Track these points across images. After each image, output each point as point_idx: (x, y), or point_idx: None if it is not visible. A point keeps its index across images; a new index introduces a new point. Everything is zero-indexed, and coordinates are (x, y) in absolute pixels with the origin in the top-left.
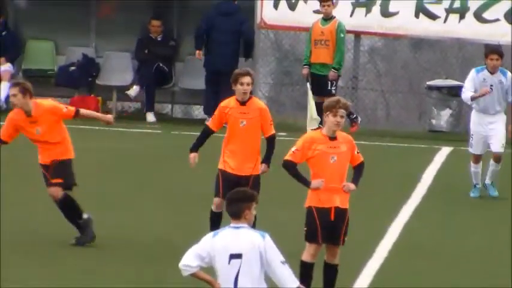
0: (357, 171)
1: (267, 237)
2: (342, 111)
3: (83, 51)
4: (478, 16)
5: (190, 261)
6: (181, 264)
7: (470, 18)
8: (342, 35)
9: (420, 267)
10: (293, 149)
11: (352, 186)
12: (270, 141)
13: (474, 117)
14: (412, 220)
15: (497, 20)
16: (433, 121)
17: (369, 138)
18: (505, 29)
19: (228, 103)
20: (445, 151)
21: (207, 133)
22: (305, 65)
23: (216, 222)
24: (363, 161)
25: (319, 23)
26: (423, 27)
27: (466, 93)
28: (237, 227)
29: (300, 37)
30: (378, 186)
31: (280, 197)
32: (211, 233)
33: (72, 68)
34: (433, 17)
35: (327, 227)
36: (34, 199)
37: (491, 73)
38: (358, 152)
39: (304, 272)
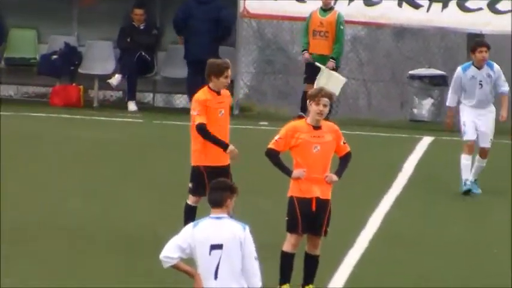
0: (342, 162)
1: (247, 229)
2: (324, 100)
3: (65, 39)
4: (461, 5)
5: (171, 252)
6: (162, 255)
7: (453, 7)
8: (342, 27)
9: (401, 257)
10: (276, 137)
11: (334, 177)
12: None
13: (463, 109)
14: (393, 210)
15: (480, 9)
16: (415, 110)
17: (350, 127)
18: (487, 18)
19: (205, 95)
20: (426, 140)
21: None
22: (304, 50)
23: (191, 216)
24: (349, 152)
25: (318, 13)
26: (406, 16)
27: (451, 99)
28: (218, 218)
29: (283, 26)
30: (359, 176)
31: (261, 186)
32: (191, 224)
33: (54, 56)
34: (416, 6)
35: (308, 218)
36: None
37: (479, 68)
38: (344, 143)
39: (285, 263)
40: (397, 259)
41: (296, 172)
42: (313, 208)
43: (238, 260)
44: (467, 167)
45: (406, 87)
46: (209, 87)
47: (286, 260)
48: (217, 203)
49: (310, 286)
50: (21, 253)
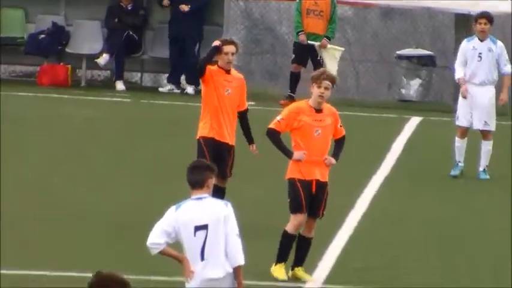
0: (338, 145)
1: (229, 205)
2: (326, 83)
3: (52, 19)
4: None
5: (157, 238)
6: (148, 242)
7: None
8: (336, 8)
9: (389, 238)
10: (278, 118)
11: (333, 160)
12: (246, 115)
13: (463, 88)
14: (382, 190)
15: None
16: (403, 91)
17: (338, 107)
18: (477, 1)
19: (212, 68)
20: (414, 121)
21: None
22: (299, 31)
23: None
24: (344, 135)
25: None
26: None
27: (457, 71)
28: (200, 198)
29: (270, 6)
30: (348, 156)
31: (249, 166)
32: (174, 207)
33: (42, 36)
34: None
35: (308, 200)
36: None
37: (481, 40)
38: (341, 126)
39: (286, 243)
40: (386, 239)
41: (297, 154)
42: (313, 190)
43: (222, 234)
44: (459, 149)
45: (394, 67)
46: (218, 65)
47: (288, 240)
48: (198, 184)
49: (300, 268)
50: (5, 238)
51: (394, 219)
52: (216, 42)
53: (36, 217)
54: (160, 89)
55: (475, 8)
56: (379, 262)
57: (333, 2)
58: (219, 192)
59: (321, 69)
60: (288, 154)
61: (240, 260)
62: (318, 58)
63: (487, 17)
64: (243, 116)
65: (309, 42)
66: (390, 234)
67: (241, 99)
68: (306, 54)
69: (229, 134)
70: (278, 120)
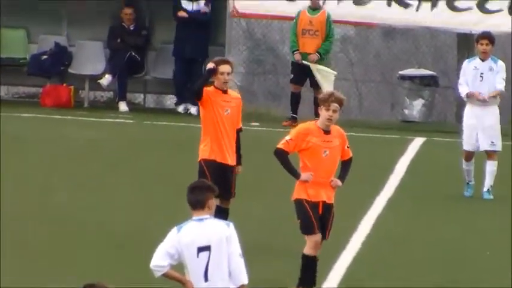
0: (345, 167)
1: (231, 226)
2: (334, 105)
3: (55, 39)
4: (451, 5)
5: (160, 261)
6: (152, 265)
7: (442, 7)
8: (332, 26)
9: (393, 259)
10: (287, 138)
11: (339, 182)
12: (239, 134)
13: (467, 110)
14: (385, 211)
15: (469, 8)
16: (406, 111)
17: (341, 128)
18: (477, 18)
19: (209, 90)
20: (418, 141)
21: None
22: (295, 51)
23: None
24: (351, 157)
25: (307, 12)
26: (395, 16)
27: (462, 88)
28: (201, 219)
29: (272, 26)
30: (351, 177)
31: (252, 187)
32: (175, 229)
33: (44, 56)
34: (405, 5)
35: (317, 219)
36: None
37: (482, 60)
38: (348, 147)
39: (307, 266)
40: (390, 261)
41: (304, 175)
42: (320, 212)
43: (225, 255)
44: (468, 172)
45: (397, 87)
46: (214, 85)
47: (309, 263)
48: (199, 204)
49: None
50: (9, 249)
51: (398, 241)
52: (210, 65)
53: (39, 235)
54: (179, 109)
55: (477, 28)
56: (383, 284)
57: (328, 21)
58: (222, 213)
59: (329, 91)
60: (295, 175)
61: (244, 279)
62: (315, 78)
63: (488, 37)
64: (236, 135)
65: (304, 62)
66: (394, 256)
67: (238, 118)
68: (304, 74)
69: (231, 155)
70: (287, 141)
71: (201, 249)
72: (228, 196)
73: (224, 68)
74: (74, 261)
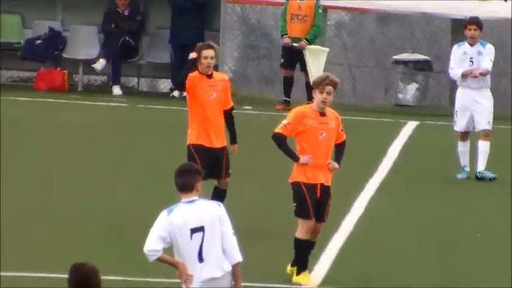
0: (339, 150)
1: (222, 205)
2: (329, 88)
3: (49, 24)
4: None
5: (154, 245)
6: (146, 249)
7: None
8: (320, 11)
9: (385, 242)
10: (284, 122)
11: (336, 165)
12: (231, 114)
13: (459, 93)
14: (378, 194)
15: None
16: (399, 95)
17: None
18: (472, 4)
19: (193, 76)
20: (411, 125)
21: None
22: (283, 35)
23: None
24: (345, 140)
25: None
26: (390, 1)
27: (455, 70)
28: (191, 201)
29: (267, 11)
30: (344, 160)
31: (246, 170)
32: (165, 212)
33: (39, 41)
34: None
35: (313, 204)
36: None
37: (471, 45)
38: (342, 130)
39: (301, 249)
40: (382, 244)
41: (304, 158)
42: (318, 194)
43: (218, 236)
44: (463, 153)
45: (391, 72)
46: (198, 70)
47: (302, 246)
48: (187, 187)
49: (305, 272)
50: (4, 241)
51: (390, 223)
52: (193, 55)
53: (34, 219)
54: (174, 94)
55: (472, 14)
56: (375, 266)
57: (317, 6)
58: (219, 194)
59: (323, 74)
60: (295, 158)
61: (238, 257)
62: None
63: (476, 22)
64: (228, 115)
65: (294, 44)
66: (386, 238)
67: (226, 99)
68: (294, 58)
69: (219, 138)
70: (284, 125)
71: (194, 231)
72: (220, 177)
73: (207, 52)
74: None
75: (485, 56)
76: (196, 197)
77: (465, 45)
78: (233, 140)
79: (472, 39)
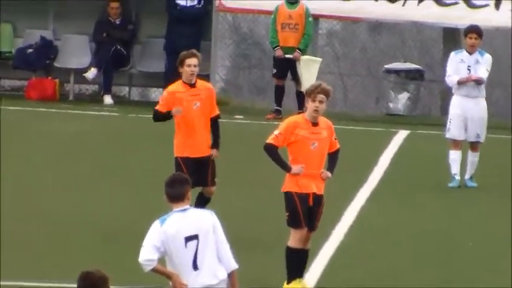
0: (333, 159)
1: (214, 214)
2: (321, 97)
3: (41, 33)
4: None
5: (149, 255)
6: (141, 260)
7: (428, 2)
8: (310, 19)
9: (376, 251)
10: (276, 132)
11: (329, 174)
12: (216, 121)
13: (454, 101)
14: (369, 203)
15: (456, 3)
16: (391, 104)
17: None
18: (463, 13)
19: (175, 87)
20: (402, 134)
21: (158, 113)
22: (275, 47)
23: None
24: (339, 148)
25: (285, 6)
26: (382, 10)
27: (452, 78)
28: (184, 210)
29: (259, 20)
30: (335, 169)
31: (236, 179)
32: (157, 222)
33: (30, 50)
34: (391, 0)
35: (305, 213)
36: None
37: (470, 53)
38: (335, 139)
39: (293, 259)
40: (372, 253)
41: (296, 168)
42: (310, 203)
43: (213, 245)
44: (454, 162)
45: (382, 81)
46: (182, 80)
47: (294, 255)
48: (179, 197)
49: (299, 280)
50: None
51: (381, 233)
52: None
53: (27, 226)
54: None
55: (462, 22)
56: (366, 274)
57: (307, 15)
58: (203, 202)
59: (316, 82)
60: (286, 168)
61: (234, 265)
62: (296, 71)
63: (477, 31)
64: (213, 122)
65: (286, 56)
66: (376, 247)
67: (211, 107)
68: (286, 67)
69: (204, 146)
70: (276, 135)
71: (188, 239)
72: (206, 184)
73: (190, 61)
74: (60, 259)
75: (483, 65)
76: (188, 206)
77: (463, 53)
78: (214, 145)
79: (471, 48)
